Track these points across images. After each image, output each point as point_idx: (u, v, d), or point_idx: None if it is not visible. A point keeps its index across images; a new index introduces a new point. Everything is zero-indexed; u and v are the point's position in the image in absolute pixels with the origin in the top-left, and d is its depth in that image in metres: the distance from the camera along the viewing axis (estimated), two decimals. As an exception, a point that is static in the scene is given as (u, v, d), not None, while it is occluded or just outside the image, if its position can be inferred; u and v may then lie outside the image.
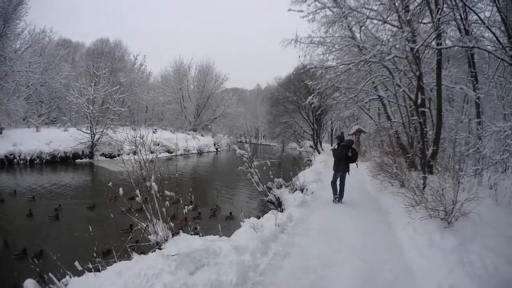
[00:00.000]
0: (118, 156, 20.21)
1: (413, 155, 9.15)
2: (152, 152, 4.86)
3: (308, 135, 30.18)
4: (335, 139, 7.85)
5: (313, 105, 14.14)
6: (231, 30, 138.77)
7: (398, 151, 8.87)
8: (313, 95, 12.05)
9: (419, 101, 7.91)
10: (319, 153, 25.50)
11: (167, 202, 3.93)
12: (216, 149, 34.82)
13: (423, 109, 7.98)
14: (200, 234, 4.19)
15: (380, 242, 4.83)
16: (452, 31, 7.80)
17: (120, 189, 3.85)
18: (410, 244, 4.58)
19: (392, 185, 8.24)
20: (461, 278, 3.45)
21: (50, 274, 2.96)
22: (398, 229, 5.27)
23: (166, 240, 3.72)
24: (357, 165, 7.75)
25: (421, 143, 7.76)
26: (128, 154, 17.46)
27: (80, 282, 2.79)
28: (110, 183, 4.22)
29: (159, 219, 3.79)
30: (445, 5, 6.51)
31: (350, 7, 8.56)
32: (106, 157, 20.74)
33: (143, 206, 3.89)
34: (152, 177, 3.87)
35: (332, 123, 36.37)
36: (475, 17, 7.54)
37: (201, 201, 9.65)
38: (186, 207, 4.14)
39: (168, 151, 25.92)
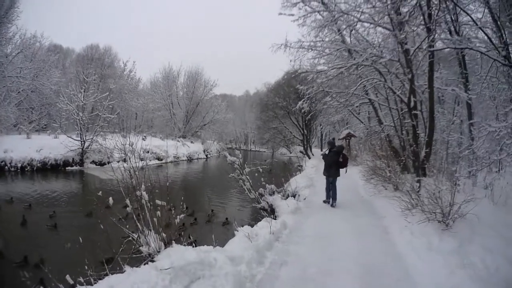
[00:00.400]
0: (108, 163, 19.71)
1: (406, 158, 9.16)
2: (142, 159, 4.69)
3: (298, 141, 29.93)
4: (327, 144, 7.86)
5: (303, 110, 13.98)
6: (223, 31, 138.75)
7: (391, 155, 8.87)
8: (303, 100, 11.94)
9: (412, 103, 7.94)
10: (309, 158, 25.38)
11: (159, 212, 3.77)
12: (206, 155, 34.58)
13: (415, 111, 8.00)
14: (194, 245, 4.02)
15: (377, 246, 4.76)
16: (443, 32, 7.84)
17: (110, 198, 3.76)
18: (408, 247, 4.53)
19: (386, 188, 8.21)
20: (463, 280, 3.43)
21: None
22: (395, 233, 5.20)
23: (159, 251, 3.57)
24: (346, 170, 7.87)
25: (414, 145, 7.77)
26: (118, 162, 17.07)
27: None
28: (100, 192, 4.08)
29: (150, 230, 3.63)
30: (437, 8, 6.56)
31: (341, 10, 8.57)
32: (96, 165, 20.38)
33: (134, 216, 3.73)
34: (143, 186, 3.72)
35: (322, 128, 36.51)
36: (466, 18, 7.62)
37: (195, 208, 9.56)
38: (178, 216, 3.98)
39: (158, 158, 25.60)
